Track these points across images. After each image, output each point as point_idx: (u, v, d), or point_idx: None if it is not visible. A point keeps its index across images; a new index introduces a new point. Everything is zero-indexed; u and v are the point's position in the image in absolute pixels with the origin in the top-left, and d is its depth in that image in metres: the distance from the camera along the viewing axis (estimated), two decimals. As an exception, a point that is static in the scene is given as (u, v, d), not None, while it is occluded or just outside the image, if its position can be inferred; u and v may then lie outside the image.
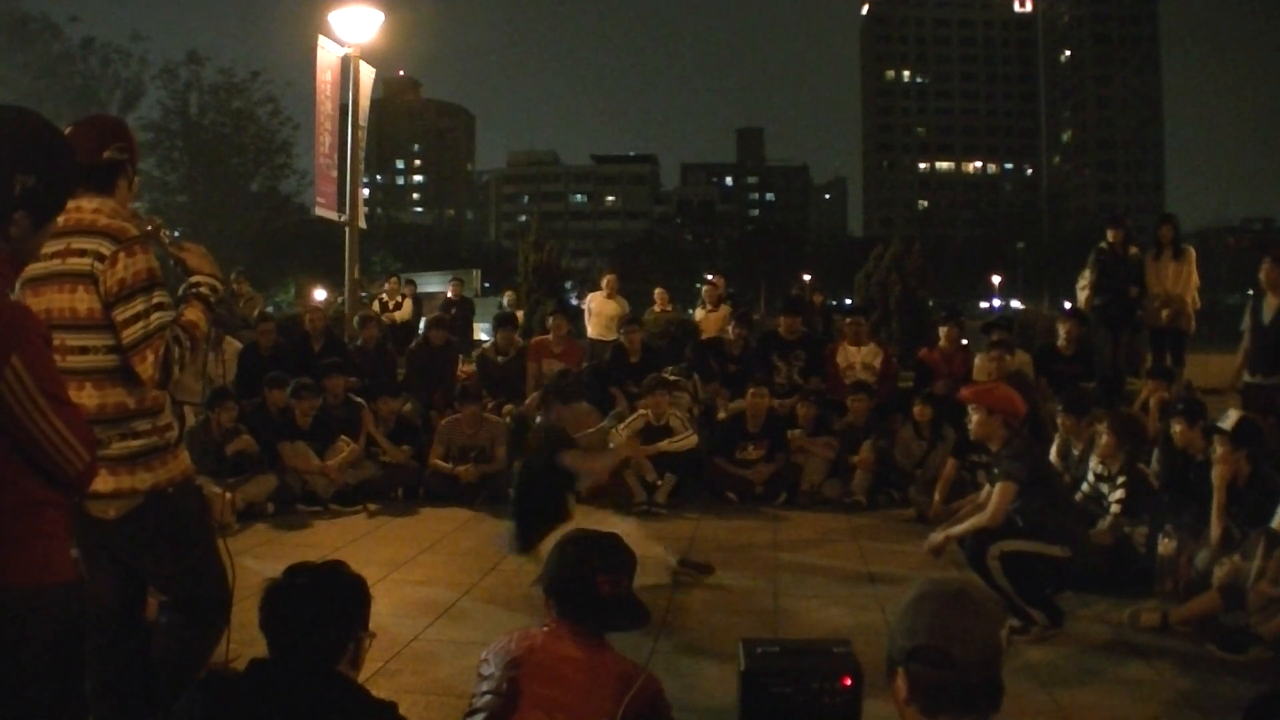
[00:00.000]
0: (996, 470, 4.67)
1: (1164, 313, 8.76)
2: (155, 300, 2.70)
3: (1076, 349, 8.26)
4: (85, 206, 2.72)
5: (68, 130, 2.74)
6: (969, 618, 1.56)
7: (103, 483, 2.63)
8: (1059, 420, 6.20)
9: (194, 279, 2.93)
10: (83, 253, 2.67)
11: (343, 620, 2.10)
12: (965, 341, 9.08)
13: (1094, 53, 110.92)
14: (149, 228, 2.91)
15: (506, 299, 15.12)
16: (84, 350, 2.67)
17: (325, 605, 2.08)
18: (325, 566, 2.19)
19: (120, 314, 2.67)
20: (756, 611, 4.88)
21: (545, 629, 2.51)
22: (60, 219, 2.69)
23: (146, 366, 2.68)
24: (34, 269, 2.67)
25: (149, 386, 2.73)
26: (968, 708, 1.55)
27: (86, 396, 2.64)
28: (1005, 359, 7.80)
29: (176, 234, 3.02)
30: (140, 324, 2.67)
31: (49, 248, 2.68)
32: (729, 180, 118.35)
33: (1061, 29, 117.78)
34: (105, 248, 2.68)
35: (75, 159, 2.00)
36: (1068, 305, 11.82)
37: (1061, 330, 8.36)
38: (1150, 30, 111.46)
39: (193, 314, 2.86)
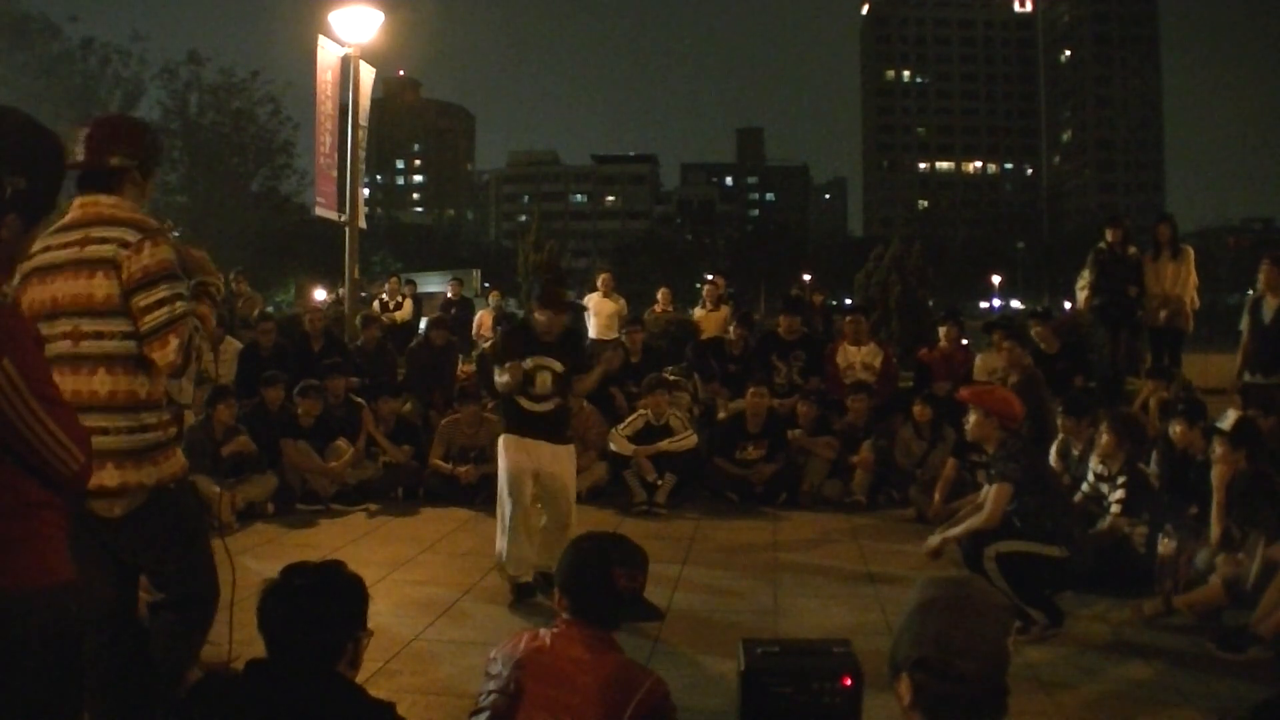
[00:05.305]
0: (992, 471, 4.68)
1: (1162, 313, 8.77)
2: (177, 289, 2.75)
3: (1061, 346, 8.26)
4: (103, 201, 2.78)
5: (86, 130, 2.81)
6: (975, 627, 1.55)
7: (109, 477, 2.64)
8: (1059, 421, 6.20)
9: (200, 279, 2.99)
10: (104, 240, 2.71)
11: (342, 620, 2.09)
12: (965, 341, 9.07)
13: (1094, 53, 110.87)
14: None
15: (492, 299, 15.11)
16: (99, 336, 2.69)
17: (324, 605, 2.08)
18: (323, 566, 2.19)
19: (143, 299, 2.70)
20: (756, 611, 4.89)
21: (554, 630, 2.51)
22: (78, 212, 2.77)
23: (168, 351, 2.70)
24: (47, 258, 2.73)
25: (166, 372, 2.75)
26: (973, 717, 1.54)
27: (99, 383, 2.67)
28: (1016, 351, 7.67)
29: (175, 234, 3.05)
30: (165, 309, 2.71)
31: (65, 238, 2.75)
32: (729, 180, 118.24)
33: (1061, 29, 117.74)
34: (130, 235, 2.72)
35: (65, 159, 1.99)
36: (1067, 305, 11.83)
37: (1034, 334, 8.35)
38: (1150, 30, 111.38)
39: (205, 309, 2.92)
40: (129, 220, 2.75)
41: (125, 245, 2.70)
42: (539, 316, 5.17)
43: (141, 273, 2.69)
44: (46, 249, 2.75)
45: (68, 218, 2.82)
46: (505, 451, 5.09)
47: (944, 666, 1.52)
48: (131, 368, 2.72)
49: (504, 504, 5.06)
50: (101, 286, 2.69)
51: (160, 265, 2.72)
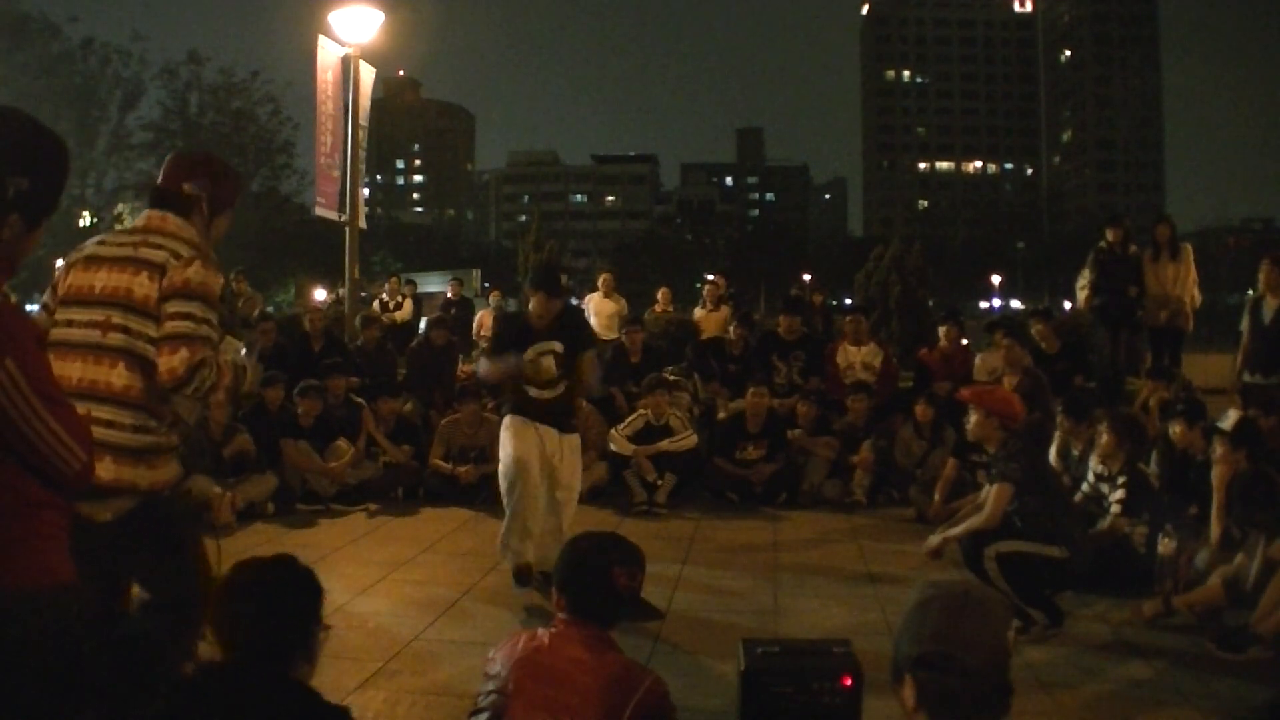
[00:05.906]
0: (993, 471, 4.68)
1: (1162, 313, 8.78)
2: (209, 315, 2.81)
3: (1061, 346, 8.27)
4: (170, 219, 2.87)
5: (170, 159, 3.03)
6: (975, 622, 1.54)
7: (105, 470, 2.63)
8: (1059, 421, 6.20)
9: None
10: (159, 247, 2.81)
11: (297, 615, 2.04)
12: (965, 341, 9.07)
13: (1094, 53, 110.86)
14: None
15: (493, 299, 15.14)
16: (126, 331, 2.74)
17: (278, 601, 2.02)
18: (274, 561, 2.13)
19: (174, 307, 2.75)
20: (756, 611, 4.88)
21: (553, 630, 2.50)
22: (144, 221, 2.89)
23: (174, 359, 2.72)
24: (99, 250, 2.83)
25: (164, 379, 2.75)
26: (978, 713, 1.53)
27: (117, 375, 2.70)
28: (1015, 349, 7.70)
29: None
30: (189, 323, 2.76)
31: (123, 238, 2.86)
32: (729, 180, 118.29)
33: (1061, 29, 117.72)
34: (184, 250, 2.81)
35: (67, 160, 1.99)
36: (1068, 305, 11.86)
37: (1035, 333, 8.35)
38: (1150, 30, 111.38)
39: (227, 360, 2.95)
40: (189, 240, 2.86)
41: (177, 257, 2.79)
42: (532, 303, 5.06)
43: (183, 283, 2.76)
44: (102, 243, 2.88)
45: (133, 224, 2.95)
46: (510, 431, 4.97)
47: (945, 661, 1.51)
48: (150, 369, 2.76)
49: (506, 488, 4.96)
50: (143, 286, 2.76)
51: (202, 285, 2.79)
